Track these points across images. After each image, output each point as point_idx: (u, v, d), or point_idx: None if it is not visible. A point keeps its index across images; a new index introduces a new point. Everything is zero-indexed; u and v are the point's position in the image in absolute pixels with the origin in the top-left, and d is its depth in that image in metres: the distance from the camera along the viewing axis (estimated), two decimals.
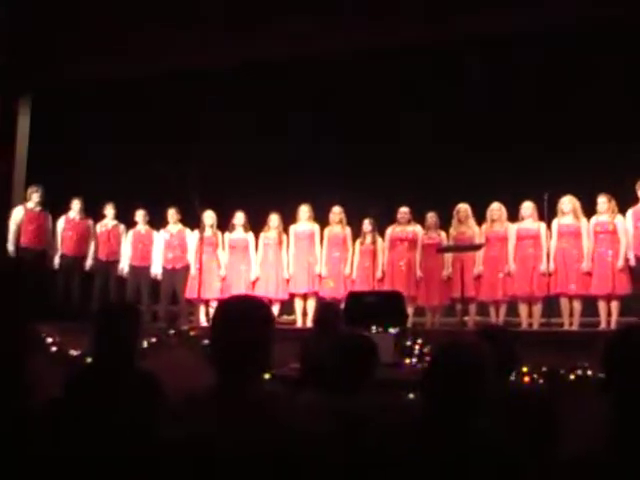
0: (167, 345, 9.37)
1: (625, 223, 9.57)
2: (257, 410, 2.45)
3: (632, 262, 9.46)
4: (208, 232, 11.00)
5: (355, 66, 11.32)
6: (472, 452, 2.57)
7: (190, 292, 10.92)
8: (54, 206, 11.57)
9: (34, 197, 11.29)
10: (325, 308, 7.26)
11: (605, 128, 10.35)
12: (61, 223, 11.45)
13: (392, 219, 10.72)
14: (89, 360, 8.10)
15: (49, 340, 9.37)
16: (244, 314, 2.59)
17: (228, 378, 2.54)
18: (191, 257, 11.12)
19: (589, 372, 7.77)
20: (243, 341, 2.53)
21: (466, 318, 10.03)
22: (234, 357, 2.53)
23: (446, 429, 2.64)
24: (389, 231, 10.72)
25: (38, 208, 11.32)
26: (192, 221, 11.04)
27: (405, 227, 10.65)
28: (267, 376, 2.92)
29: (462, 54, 11.06)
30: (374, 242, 10.61)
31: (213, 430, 2.41)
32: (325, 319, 6.55)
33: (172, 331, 9.67)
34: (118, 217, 11.63)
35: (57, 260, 11.37)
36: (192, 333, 9.57)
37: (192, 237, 11.16)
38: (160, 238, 11.31)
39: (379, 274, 10.55)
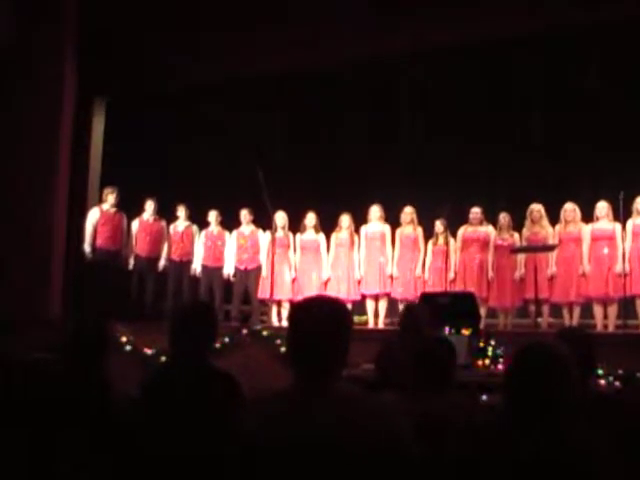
0: (240, 344, 9.43)
1: None
2: (338, 410, 2.45)
3: None
4: (280, 233, 11.03)
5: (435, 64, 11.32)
6: (561, 457, 2.53)
7: (262, 292, 10.98)
8: (128, 207, 11.68)
9: (110, 198, 11.37)
10: (410, 311, 7.12)
11: None
12: (135, 224, 11.55)
13: (464, 220, 10.65)
14: (163, 359, 8.25)
15: (123, 339, 9.50)
16: (323, 314, 2.59)
17: (307, 378, 2.54)
18: (263, 258, 11.17)
19: None
20: (323, 341, 2.53)
21: (539, 319, 9.92)
22: (313, 357, 2.54)
23: (532, 432, 2.60)
24: (461, 231, 10.64)
25: (113, 209, 11.41)
26: (264, 222, 11.09)
27: (477, 227, 10.56)
28: None
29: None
30: (446, 243, 10.54)
31: (295, 429, 2.43)
32: (409, 322, 6.48)
33: (245, 331, 9.73)
34: (191, 218, 11.72)
35: (132, 261, 11.52)
36: (264, 333, 9.62)
37: (264, 238, 11.20)
38: (233, 239, 11.38)
39: (451, 275, 10.48)
